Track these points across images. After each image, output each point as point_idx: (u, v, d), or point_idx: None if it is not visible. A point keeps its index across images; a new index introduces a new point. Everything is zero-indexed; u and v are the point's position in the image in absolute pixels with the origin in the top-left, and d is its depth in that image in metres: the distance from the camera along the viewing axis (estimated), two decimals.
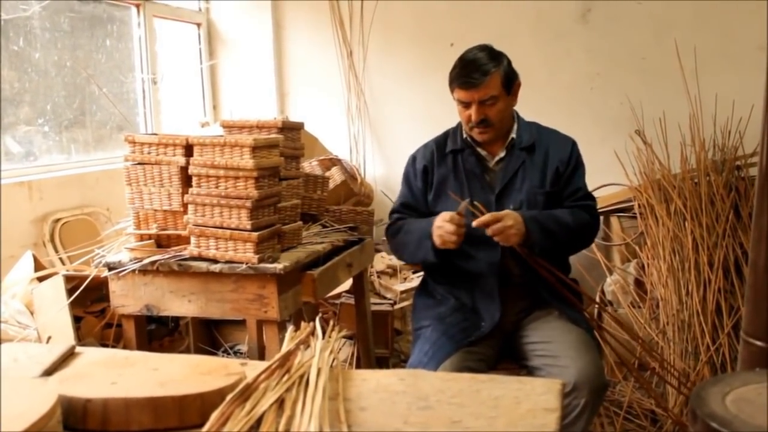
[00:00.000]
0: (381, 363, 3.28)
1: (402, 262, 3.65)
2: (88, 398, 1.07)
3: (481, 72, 2.28)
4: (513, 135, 2.41)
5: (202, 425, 0.99)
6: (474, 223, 2.17)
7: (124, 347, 2.43)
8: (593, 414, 2.15)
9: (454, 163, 2.43)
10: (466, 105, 2.33)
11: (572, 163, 2.42)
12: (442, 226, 2.21)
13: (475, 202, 2.22)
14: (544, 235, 2.23)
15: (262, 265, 2.17)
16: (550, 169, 2.39)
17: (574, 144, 2.46)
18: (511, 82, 2.35)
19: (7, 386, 1.05)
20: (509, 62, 2.37)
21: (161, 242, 2.36)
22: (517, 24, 4.04)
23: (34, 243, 2.94)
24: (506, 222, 2.16)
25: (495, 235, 2.17)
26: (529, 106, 2.53)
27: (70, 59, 3.50)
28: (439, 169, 2.44)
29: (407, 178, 2.52)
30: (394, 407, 1.12)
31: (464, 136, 2.43)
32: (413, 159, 2.52)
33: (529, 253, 2.24)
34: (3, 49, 3.08)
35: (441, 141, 2.50)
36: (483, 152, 2.43)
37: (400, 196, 2.55)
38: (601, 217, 3.44)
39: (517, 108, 2.46)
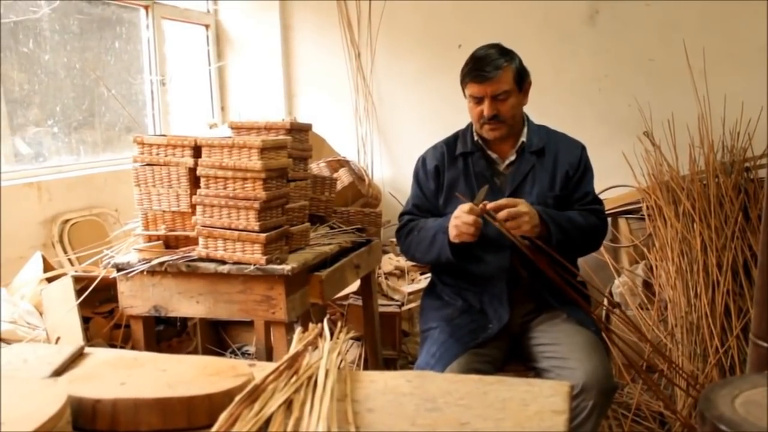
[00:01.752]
0: (388, 364, 3.28)
1: (410, 264, 3.66)
2: (98, 399, 1.07)
3: (494, 66, 2.28)
4: (523, 138, 2.41)
5: (210, 426, 0.99)
6: (489, 206, 2.14)
7: (133, 348, 2.44)
8: (601, 416, 2.14)
9: (464, 165, 2.43)
10: (478, 101, 2.33)
11: (581, 167, 2.41)
12: (460, 216, 2.18)
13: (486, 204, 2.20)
14: (558, 228, 2.23)
15: (270, 266, 2.17)
16: (560, 172, 2.38)
17: (583, 149, 2.45)
18: (522, 79, 2.36)
19: (17, 386, 1.05)
20: (520, 60, 2.38)
21: (169, 243, 2.37)
22: (524, 25, 4.04)
23: (43, 244, 2.96)
24: (521, 208, 2.15)
25: (508, 220, 2.14)
26: (537, 108, 2.53)
27: (79, 61, 3.52)
28: (450, 171, 2.44)
29: (418, 180, 2.51)
30: (402, 409, 1.12)
31: (475, 138, 2.43)
32: (423, 160, 2.52)
33: (537, 253, 2.22)
34: (13, 51, 3.10)
35: (451, 142, 2.49)
36: (493, 155, 2.43)
37: (411, 198, 2.54)
38: (610, 219, 3.43)
39: (524, 109, 2.46)
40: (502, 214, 2.15)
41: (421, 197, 2.49)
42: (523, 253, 2.21)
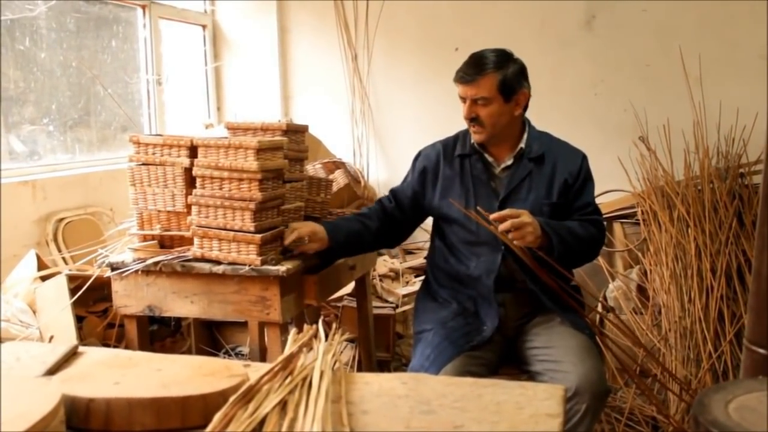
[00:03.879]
0: (382, 366, 3.28)
1: (405, 266, 3.68)
2: (91, 398, 1.07)
3: (476, 70, 2.26)
4: (522, 144, 2.38)
5: (204, 426, 0.99)
6: (493, 217, 2.11)
7: (126, 347, 2.43)
8: (594, 419, 2.14)
9: (461, 166, 2.41)
10: (463, 100, 2.33)
11: (581, 177, 2.38)
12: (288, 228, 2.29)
13: (479, 208, 2.19)
14: (559, 240, 2.20)
15: (265, 267, 2.17)
16: (558, 180, 2.35)
17: (584, 158, 2.42)
18: (510, 90, 2.28)
19: (10, 385, 1.05)
20: (519, 71, 2.31)
21: (164, 243, 2.36)
22: (521, 29, 4.04)
23: (37, 242, 2.95)
24: (524, 218, 2.12)
25: (512, 231, 2.10)
26: (533, 112, 2.52)
27: (75, 59, 3.51)
28: (445, 171, 2.43)
29: (408, 171, 2.53)
30: (397, 411, 1.12)
31: (472, 141, 2.42)
32: (418, 156, 2.53)
33: (532, 258, 2.21)
34: (9, 48, 3.09)
35: (449, 144, 2.48)
36: (490, 158, 2.42)
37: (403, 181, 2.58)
38: (605, 223, 3.44)
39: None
40: (505, 225, 2.10)
41: (401, 187, 2.53)
42: (518, 258, 2.19)
